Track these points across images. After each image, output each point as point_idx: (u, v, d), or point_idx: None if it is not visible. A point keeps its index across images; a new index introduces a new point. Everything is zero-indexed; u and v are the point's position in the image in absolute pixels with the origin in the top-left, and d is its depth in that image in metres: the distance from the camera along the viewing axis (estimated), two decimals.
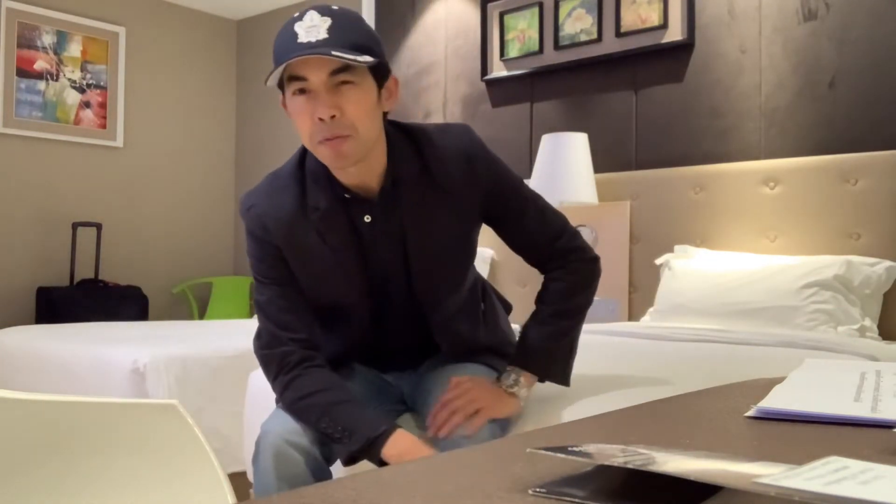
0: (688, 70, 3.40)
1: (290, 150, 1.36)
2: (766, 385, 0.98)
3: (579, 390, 1.54)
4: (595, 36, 3.65)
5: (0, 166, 4.50)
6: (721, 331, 2.53)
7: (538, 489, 0.54)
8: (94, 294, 4.48)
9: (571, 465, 0.61)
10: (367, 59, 1.30)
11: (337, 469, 1.48)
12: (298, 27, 1.30)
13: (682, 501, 0.51)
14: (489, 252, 3.70)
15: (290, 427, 1.38)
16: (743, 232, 3.11)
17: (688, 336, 2.48)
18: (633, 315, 3.35)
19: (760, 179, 3.07)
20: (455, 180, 1.44)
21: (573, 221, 1.61)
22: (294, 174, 1.45)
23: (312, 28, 1.29)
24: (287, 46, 1.30)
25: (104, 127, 4.90)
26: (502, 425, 1.44)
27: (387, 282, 1.49)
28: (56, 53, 4.71)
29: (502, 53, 3.98)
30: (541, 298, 1.54)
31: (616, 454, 0.56)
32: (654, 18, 3.46)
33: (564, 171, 3.23)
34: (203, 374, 2.41)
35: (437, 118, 4.26)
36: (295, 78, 1.32)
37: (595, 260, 1.55)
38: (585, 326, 1.63)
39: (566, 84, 3.79)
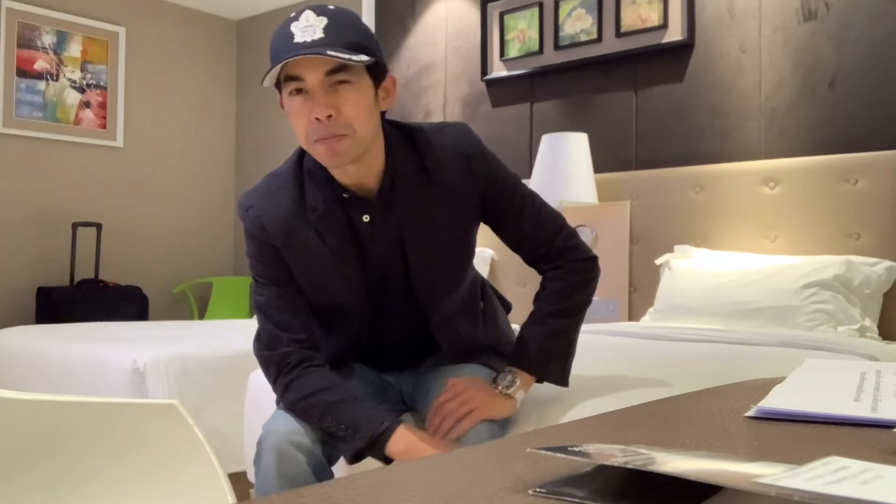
0: (688, 70, 3.40)
1: (290, 150, 1.36)
2: (766, 385, 0.98)
3: (579, 390, 1.54)
4: (595, 36, 3.65)
5: (0, 166, 4.50)
6: (721, 331, 2.53)
7: (538, 489, 0.54)
8: (94, 294, 4.48)
9: (571, 465, 0.61)
10: (363, 58, 1.30)
11: (338, 469, 1.48)
12: (294, 27, 1.30)
13: (682, 501, 0.51)
14: (489, 252, 3.70)
15: (292, 427, 1.38)
16: (743, 232, 3.11)
17: (688, 336, 2.48)
18: (633, 315, 3.35)
19: (760, 179, 3.07)
20: (453, 179, 1.44)
21: (573, 221, 1.61)
22: (292, 174, 1.45)
23: (308, 28, 1.29)
24: (283, 46, 1.30)
25: (104, 127, 4.90)
26: (501, 425, 1.44)
27: (385, 281, 1.49)
28: (56, 53, 4.71)
29: (502, 53, 3.98)
30: (539, 298, 1.53)
31: (616, 454, 0.56)
32: (654, 18, 3.46)
33: (564, 171, 3.23)
34: (203, 374, 2.41)
35: (437, 118, 4.26)
36: (291, 78, 1.32)
37: (593, 259, 1.55)
38: (585, 326, 1.63)
39: (566, 84, 3.79)
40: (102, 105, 4.90)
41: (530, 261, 1.56)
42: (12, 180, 4.54)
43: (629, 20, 3.54)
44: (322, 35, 1.29)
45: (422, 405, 1.51)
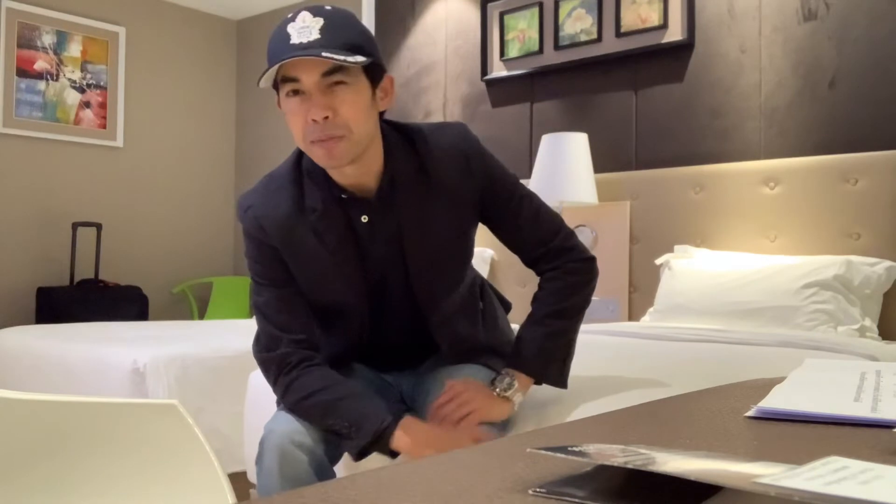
0: (688, 70, 3.40)
1: (289, 150, 1.36)
2: (766, 385, 0.98)
3: (579, 390, 1.54)
4: (595, 36, 3.65)
5: (0, 166, 4.50)
6: (721, 331, 2.53)
7: (538, 489, 0.54)
8: (94, 294, 4.48)
9: (571, 465, 0.61)
10: (360, 58, 1.29)
11: (340, 470, 1.48)
12: (291, 28, 1.30)
13: (682, 501, 0.51)
14: (489, 252, 3.70)
15: (294, 427, 1.38)
16: (743, 232, 3.11)
17: (688, 336, 2.48)
18: (633, 315, 3.35)
19: (760, 179, 3.07)
20: (452, 179, 1.44)
21: (573, 221, 1.62)
22: (291, 175, 1.45)
23: (304, 29, 1.29)
24: (279, 47, 1.30)
25: (104, 127, 4.90)
26: (500, 427, 1.44)
27: (385, 281, 1.49)
28: (56, 53, 4.71)
29: (502, 53, 3.98)
30: (536, 299, 1.53)
31: (616, 454, 0.56)
32: (654, 18, 3.46)
33: (564, 171, 3.23)
34: (203, 374, 2.41)
35: (437, 118, 4.26)
36: (288, 79, 1.32)
37: (591, 260, 1.54)
38: (585, 326, 1.63)
39: (566, 84, 3.79)
40: (102, 105, 4.90)
41: (528, 261, 1.56)
42: (12, 180, 4.54)
43: (629, 20, 3.54)
44: (318, 36, 1.28)
45: (421, 405, 1.51)
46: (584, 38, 3.68)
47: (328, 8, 1.33)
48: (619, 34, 3.57)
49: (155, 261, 5.10)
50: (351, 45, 1.30)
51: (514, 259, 1.58)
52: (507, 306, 1.75)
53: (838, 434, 0.73)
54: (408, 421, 1.36)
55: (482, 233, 1.58)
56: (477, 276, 1.65)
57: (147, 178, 5.10)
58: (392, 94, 1.43)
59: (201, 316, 5.21)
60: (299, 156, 1.46)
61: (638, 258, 3.37)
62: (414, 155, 1.44)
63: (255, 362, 1.52)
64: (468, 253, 1.55)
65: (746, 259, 2.93)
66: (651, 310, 3.09)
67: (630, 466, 0.52)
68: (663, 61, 3.47)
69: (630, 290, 3.38)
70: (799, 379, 0.98)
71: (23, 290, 4.55)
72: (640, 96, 3.55)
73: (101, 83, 4.89)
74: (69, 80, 4.76)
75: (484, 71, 4.05)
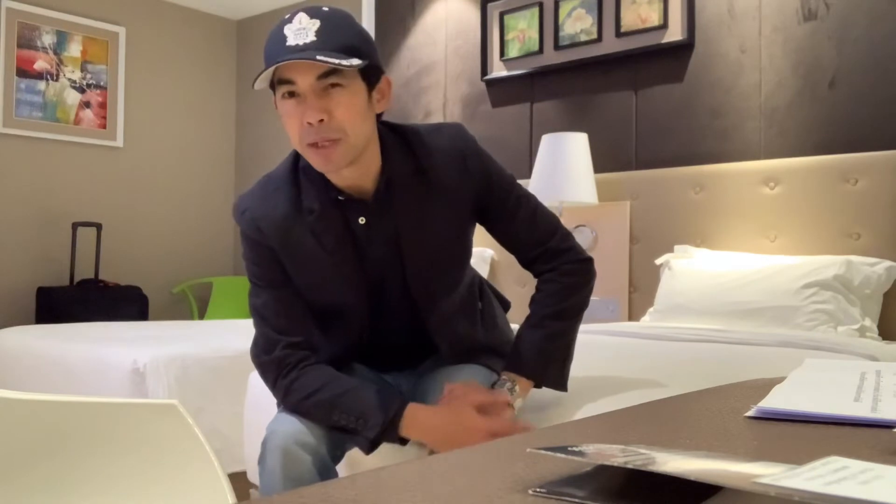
0: (688, 70, 3.40)
1: (289, 150, 1.35)
2: (766, 385, 0.98)
3: (579, 391, 1.54)
4: (595, 36, 3.65)
5: (0, 166, 4.50)
6: (721, 331, 2.53)
7: (538, 489, 0.54)
8: (94, 294, 4.48)
9: (571, 465, 0.61)
10: (355, 61, 1.29)
11: (341, 470, 1.48)
12: (287, 29, 1.30)
13: (682, 501, 0.51)
14: (489, 252, 3.70)
15: (297, 427, 1.38)
16: (743, 232, 3.11)
17: (688, 336, 2.48)
18: (633, 315, 3.35)
19: (760, 179, 3.07)
20: (450, 179, 1.44)
21: (573, 221, 1.61)
22: (288, 176, 1.44)
23: (301, 31, 1.29)
24: (276, 49, 1.30)
25: (104, 127, 4.90)
26: None
27: (383, 282, 1.49)
28: (56, 53, 4.71)
29: (502, 53, 3.98)
30: (535, 301, 1.52)
31: (616, 454, 0.56)
32: (654, 18, 3.46)
33: (564, 171, 3.23)
34: (203, 374, 2.41)
35: (437, 118, 4.26)
36: (284, 81, 1.31)
37: (588, 261, 1.54)
38: (585, 326, 1.63)
39: (566, 84, 3.79)
40: (102, 105, 4.90)
41: (525, 262, 1.56)
42: (12, 180, 4.54)
43: (629, 20, 3.54)
44: (314, 38, 1.28)
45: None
46: (584, 38, 3.68)
47: (325, 9, 1.33)
48: (619, 34, 3.57)
49: (155, 261, 5.10)
50: (347, 47, 1.30)
51: (514, 259, 1.57)
52: (506, 305, 1.75)
53: (838, 434, 0.73)
54: (414, 408, 1.36)
55: (482, 233, 1.58)
56: (476, 275, 1.65)
57: (147, 178, 5.10)
58: (389, 95, 1.43)
59: (201, 316, 5.21)
60: (296, 157, 1.45)
61: (638, 258, 3.37)
62: (411, 156, 1.44)
63: None
64: (466, 253, 1.55)
65: (746, 259, 2.93)
66: (651, 310, 3.09)
67: (630, 466, 0.52)
68: (663, 61, 3.47)
69: (630, 290, 3.38)
70: (799, 379, 0.98)
71: (23, 290, 4.55)
72: (640, 96, 3.55)
73: (101, 83, 4.89)
74: (69, 80, 4.76)
75: (484, 71, 4.05)
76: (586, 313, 1.56)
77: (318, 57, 1.26)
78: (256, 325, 1.49)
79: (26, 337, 2.84)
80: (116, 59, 4.95)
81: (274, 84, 1.35)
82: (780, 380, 0.99)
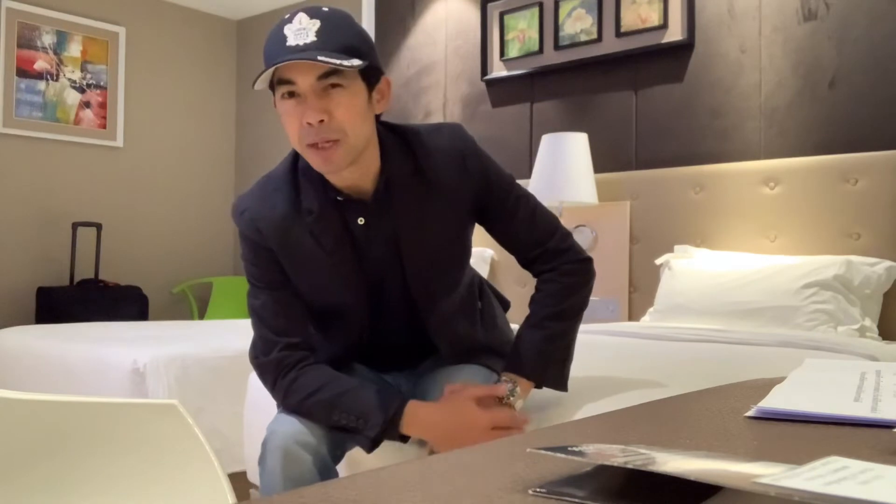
0: (688, 70, 3.40)
1: (289, 150, 1.36)
2: (766, 385, 0.98)
3: (579, 391, 1.54)
4: (595, 36, 3.65)
5: (0, 166, 4.50)
6: (721, 331, 2.53)
7: (538, 489, 0.54)
8: (94, 294, 4.48)
9: (571, 465, 0.61)
10: (356, 62, 1.29)
11: (342, 470, 1.48)
12: (287, 30, 1.30)
13: (682, 501, 0.51)
14: (489, 252, 3.70)
15: (297, 428, 1.38)
16: (743, 232, 3.11)
17: (688, 336, 2.48)
18: (633, 315, 3.35)
19: (760, 179, 3.07)
20: (449, 179, 1.44)
21: (573, 221, 1.61)
22: (287, 176, 1.44)
23: (301, 31, 1.29)
24: (275, 49, 1.30)
25: (104, 127, 4.90)
26: None
27: (382, 283, 1.49)
28: (56, 53, 4.71)
29: (502, 53, 3.98)
30: (534, 301, 1.52)
31: (616, 454, 0.56)
32: (654, 18, 3.46)
33: (564, 171, 3.23)
34: (203, 374, 2.41)
35: (437, 118, 4.26)
36: (283, 81, 1.31)
37: (587, 261, 1.54)
38: (585, 326, 1.62)
39: (566, 84, 3.79)
40: (102, 105, 4.90)
41: (524, 262, 1.56)
42: (12, 180, 4.54)
43: (629, 20, 3.54)
44: (314, 38, 1.28)
45: None
46: (584, 38, 3.68)
47: (325, 9, 1.33)
48: (619, 34, 3.57)
49: (155, 261, 5.10)
50: (347, 47, 1.30)
51: (514, 259, 1.57)
52: (505, 305, 1.75)
53: (838, 434, 0.73)
54: (414, 405, 1.36)
55: (482, 233, 1.58)
56: (476, 275, 1.65)
57: (147, 178, 5.10)
58: (389, 96, 1.43)
59: (201, 316, 5.21)
60: (295, 157, 1.45)
61: (638, 258, 3.37)
62: (410, 156, 1.43)
63: None
64: (466, 253, 1.55)
65: (746, 259, 2.93)
66: (651, 310, 3.09)
67: (630, 466, 0.52)
68: (663, 61, 3.47)
69: (630, 290, 3.38)
70: (799, 379, 0.98)
71: (23, 290, 4.55)
72: (640, 96, 3.55)
73: (101, 83, 4.89)
74: (69, 80, 4.76)
75: (484, 71, 4.05)
76: (586, 313, 1.56)
77: (319, 57, 1.26)
78: (255, 326, 1.49)
79: (26, 337, 2.84)
80: (116, 59, 4.95)
81: (274, 84, 1.34)
82: (780, 380, 0.99)
